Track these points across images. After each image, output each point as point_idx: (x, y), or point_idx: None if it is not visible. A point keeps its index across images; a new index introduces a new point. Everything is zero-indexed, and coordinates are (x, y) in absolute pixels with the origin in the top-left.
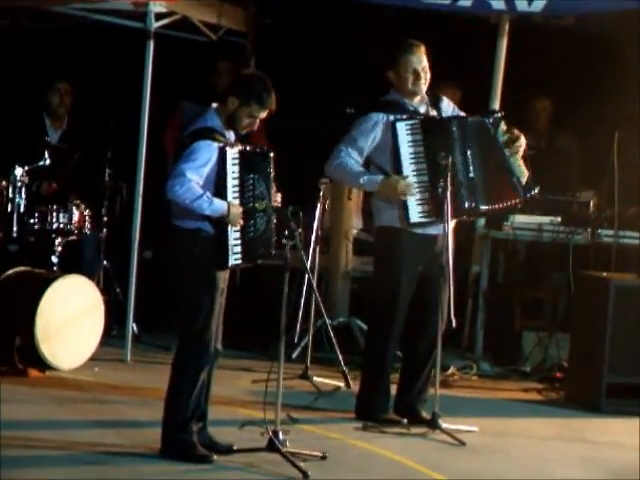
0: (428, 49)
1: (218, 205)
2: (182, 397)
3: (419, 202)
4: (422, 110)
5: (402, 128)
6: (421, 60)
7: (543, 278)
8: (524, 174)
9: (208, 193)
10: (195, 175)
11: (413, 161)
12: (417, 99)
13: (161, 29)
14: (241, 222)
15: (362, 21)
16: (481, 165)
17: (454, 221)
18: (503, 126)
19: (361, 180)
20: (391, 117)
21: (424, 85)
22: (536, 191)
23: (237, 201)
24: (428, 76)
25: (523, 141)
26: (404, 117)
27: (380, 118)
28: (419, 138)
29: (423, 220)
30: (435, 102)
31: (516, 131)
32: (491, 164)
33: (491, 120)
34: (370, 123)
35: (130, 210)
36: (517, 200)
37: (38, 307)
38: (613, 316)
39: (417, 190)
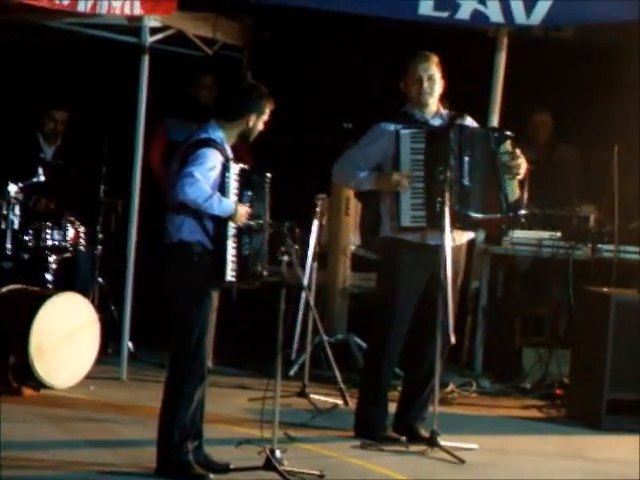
0: None
1: (227, 204)
2: (177, 416)
3: (412, 207)
4: (435, 123)
5: (405, 136)
6: (427, 69)
7: (543, 294)
8: (514, 194)
9: (217, 192)
10: (202, 177)
11: (412, 168)
12: (429, 111)
13: (156, 44)
14: (244, 220)
15: (360, 35)
16: (475, 174)
17: (464, 239)
18: (508, 146)
19: (358, 178)
20: (398, 126)
21: (429, 95)
22: (521, 213)
23: None
24: (436, 86)
25: (523, 166)
26: (410, 127)
27: (388, 128)
28: (421, 147)
29: (414, 225)
30: (453, 119)
31: (519, 154)
32: (484, 175)
33: (496, 135)
34: (377, 132)
35: (125, 227)
36: (498, 216)
37: (32, 325)
38: (614, 332)
39: (412, 196)
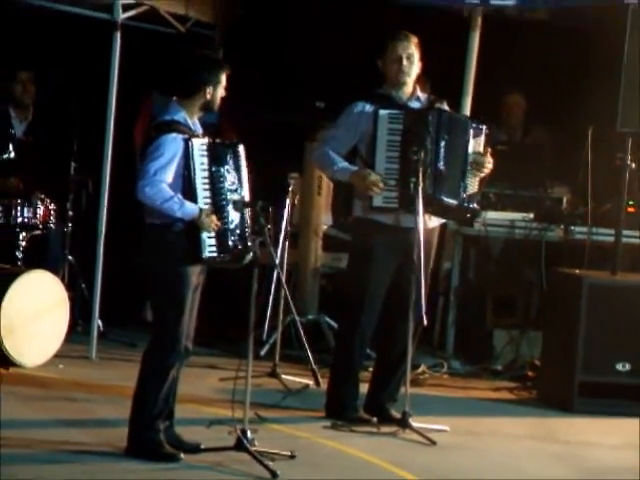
0: None
1: (189, 208)
2: (150, 394)
3: (385, 188)
4: (413, 106)
5: (384, 116)
6: (406, 48)
7: (515, 275)
8: (472, 188)
9: (179, 194)
10: (164, 174)
11: (388, 149)
12: (406, 92)
13: (128, 20)
14: (215, 226)
15: (334, 13)
16: (449, 159)
17: (435, 222)
18: (482, 142)
19: (335, 167)
20: (377, 107)
21: (407, 74)
22: (472, 207)
23: (208, 193)
24: (414, 67)
25: (489, 167)
26: (389, 107)
27: (366, 108)
28: (399, 128)
29: (386, 205)
30: (433, 103)
31: (489, 157)
32: (455, 161)
33: (474, 126)
34: (354, 112)
35: (96, 204)
36: (455, 203)
37: (2, 303)
38: (586, 314)
39: (386, 177)
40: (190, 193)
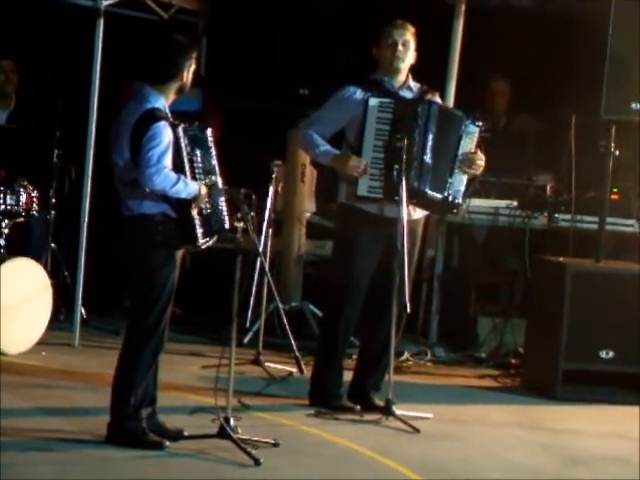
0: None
1: (192, 187)
2: (135, 382)
3: (370, 177)
4: (405, 95)
5: (374, 104)
6: (402, 34)
7: (499, 263)
8: (459, 185)
9: (182, 176)
10: (166, 160)
11: (375, 137)
12: (399, 80)
13: (111, 7)
14: (206, 200)
15: (318, 1)
16: (436, 152)
17: (419, 214)
18: (474, 139)
19: (317, 150)
20: (367, 94)
21: (401, 61)
22: (457, 201)
23: (189, 178)
24: (409, 53)
25: (479, 167)
26: (380, 96)
27: (356, 93)
28: (388, 117)
29: (370, 195)
30: (424, 94)
31: (481, 155)
32: (443, 155)
33: (469, 122)
34: (344, 95)
35: (79, 192)
36: (439, 196)
37: None
38: (570, 302)
39: (372, 166)
40: None
